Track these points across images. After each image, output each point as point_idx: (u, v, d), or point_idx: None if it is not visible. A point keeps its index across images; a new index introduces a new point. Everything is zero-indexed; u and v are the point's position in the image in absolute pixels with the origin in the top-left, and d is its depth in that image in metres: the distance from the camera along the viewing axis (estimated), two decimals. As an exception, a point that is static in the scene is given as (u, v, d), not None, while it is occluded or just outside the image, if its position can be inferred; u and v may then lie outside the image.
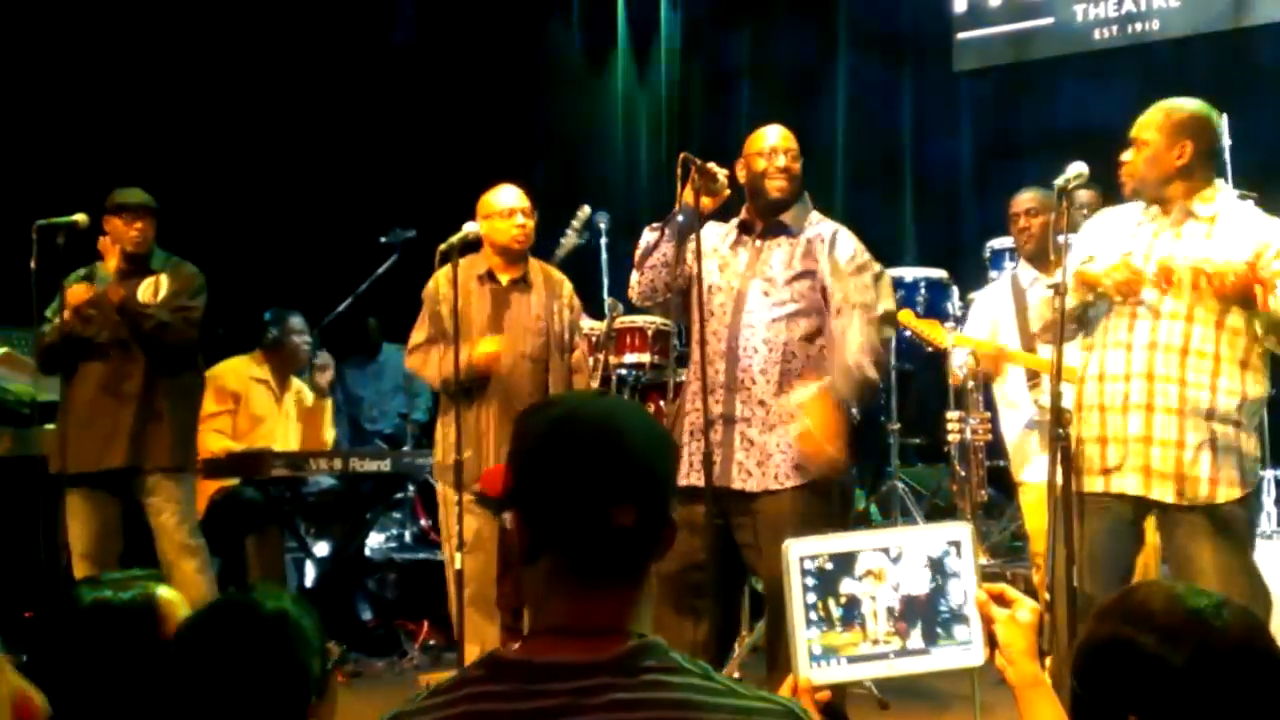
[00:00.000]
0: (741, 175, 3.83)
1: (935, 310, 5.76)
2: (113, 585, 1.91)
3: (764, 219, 3.80)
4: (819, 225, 3.81)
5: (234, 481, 5.37)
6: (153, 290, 4.71)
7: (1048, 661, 2.87)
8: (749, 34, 8.11)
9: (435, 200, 6.96)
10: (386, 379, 7.87)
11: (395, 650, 5.49)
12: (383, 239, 5.95)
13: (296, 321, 5.74)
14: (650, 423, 1.40)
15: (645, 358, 5.40)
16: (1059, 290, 3.23)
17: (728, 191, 3.76)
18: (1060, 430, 3.20)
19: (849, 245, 3.78)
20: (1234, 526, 3.20)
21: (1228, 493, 3.20)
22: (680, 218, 3.72)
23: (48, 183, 6.32)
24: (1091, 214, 3.83)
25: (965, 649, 1.55)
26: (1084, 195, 4.48)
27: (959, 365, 4.77)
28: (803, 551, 1.57)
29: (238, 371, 5.63)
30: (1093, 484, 3.28)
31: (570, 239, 5.62)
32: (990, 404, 4.79)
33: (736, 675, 3.45)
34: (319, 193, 7.94)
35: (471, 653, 4.29)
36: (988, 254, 5.48)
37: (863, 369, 3.63)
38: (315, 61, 7.99)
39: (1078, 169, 3.31)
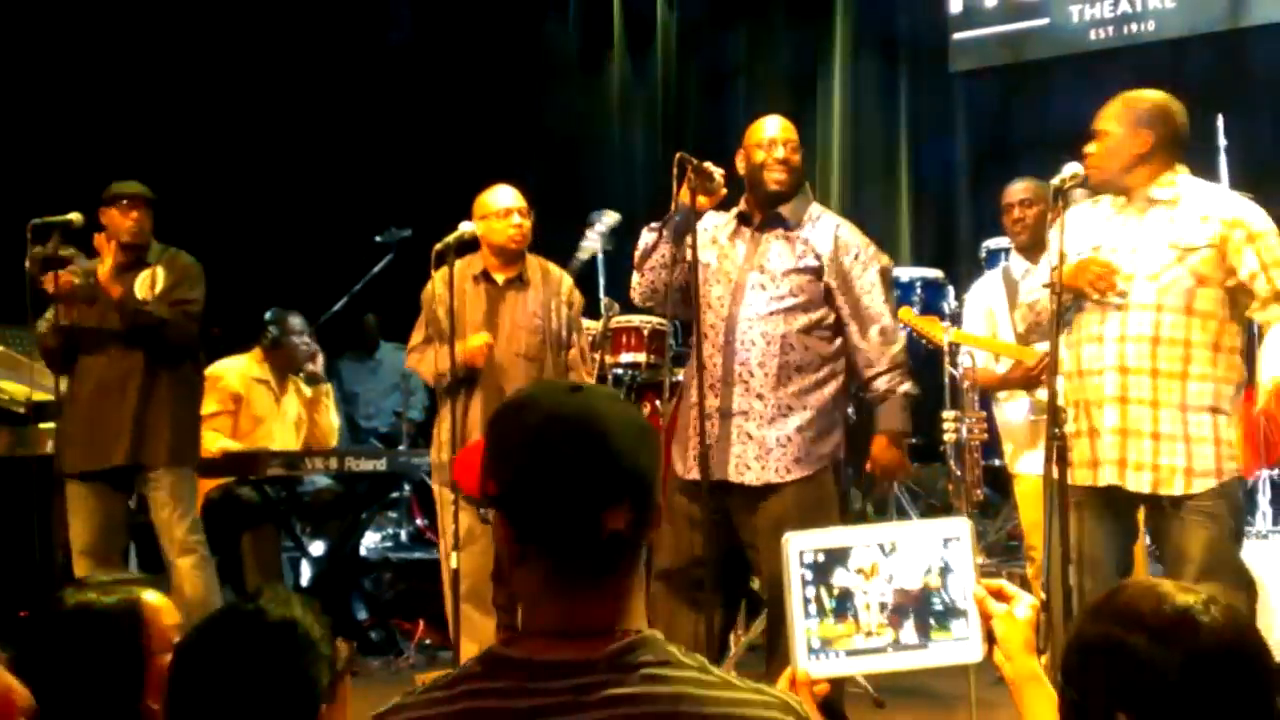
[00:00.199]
0: (741, 166, 3.83)
1: (931, 309, 5.77)
2: (98, 588, 1.88)
3: (762, 210, 3.80)
4: (819, 219, 3.80)
5: (230, 480, 5.37)
6: (149, 283, 4.68)
7: (1043, 659, 2.87)
8: (746, 34, 8.11)
9: (431, 199, 6.96)
10: (383, 377, 7.87)
11: (391, 650, 5.49)
12: (378, 238, 5.96)
13: (296, 322, 5.73)
14: (630, 414, 1.37)
15: (641, 357, 5.40)
16: (1054, 289, 3.24)
17: (724, 191, 3.76)
18: (1057, 429, 3.21)
19: (854, 249, 3.77)
20: (1213, 517, 3.22)
21: (1202, 483, 3.22)
22: (678, 218, 3.72)
23: (43, 182, 6.31)
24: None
25: (963, 644, 1.55)
26: (1079, 195, 4.49)
27: (958, 366, 4.79)
28: (801, 545, 1.57)
29: (238, 372, 5.62)
30: (1081, 477, 3.30)
31: (592, 244, 5.58)
32: (986, 401, 4.80)
33: (733, 673, 3.45)
34: (315, 192, 7.94)
35: (468, 649, 4.29)
36: (983, 254, 5.49)
37: (901, 386, 3.75)
38: (311, 60, 7.98)
39: (1073, 169, 3.33)
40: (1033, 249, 4.56)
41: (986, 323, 4.70)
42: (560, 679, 1.29)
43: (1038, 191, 4.50)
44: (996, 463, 4.97)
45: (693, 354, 3.73)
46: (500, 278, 4.55)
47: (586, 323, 5.18)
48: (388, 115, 8.29)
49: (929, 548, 1.56)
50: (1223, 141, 5.41)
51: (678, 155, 3.68)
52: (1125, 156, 3.29)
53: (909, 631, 1.55)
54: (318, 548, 5.68)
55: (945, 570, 1.55)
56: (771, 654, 3.67)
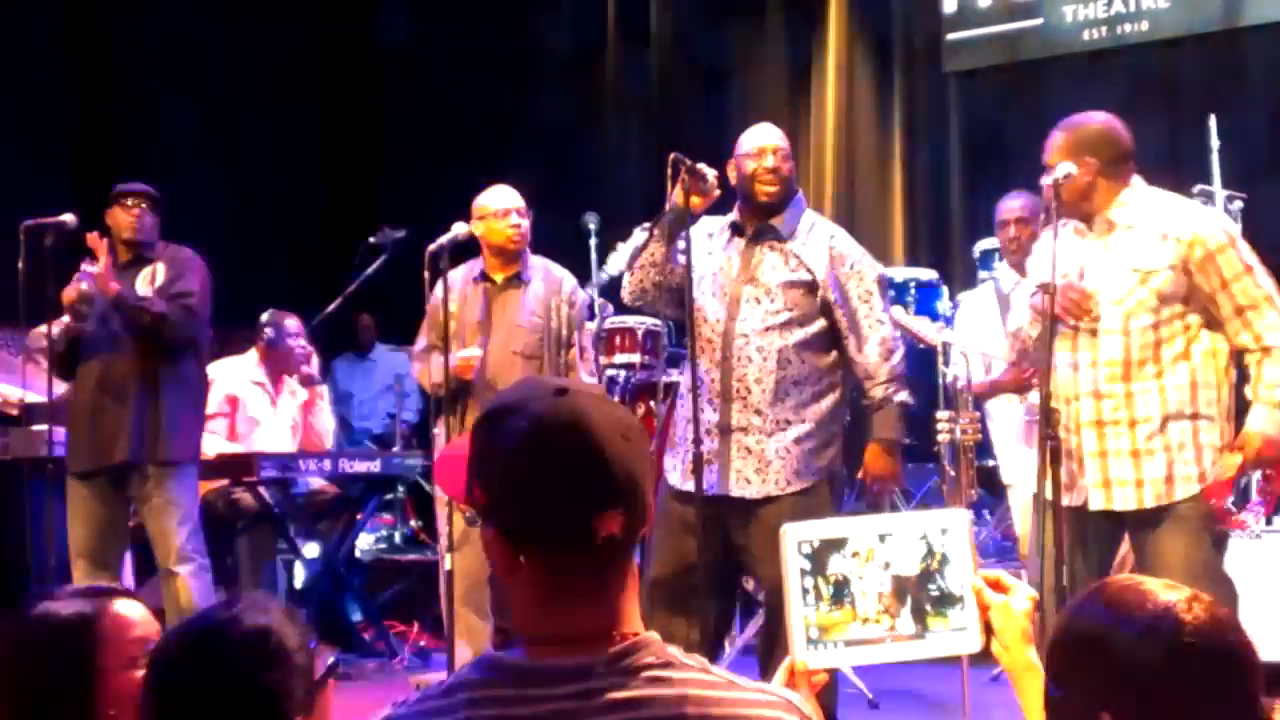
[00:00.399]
0: (732, 176, 3.82)
1: (925, 310, 5.77)
2: (67, 597, 1.84)
3: (755, 221, 3.78)
4: (812, 229, 3.78)
5: (225, 483, 5.36)
6: (150, 279, 4.66)
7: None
8: (739, 33, 8.11)
9: (426, 200, 6.95)
10: (377, 378, 7.87)
11: (385, 652, 5.48)
12: (372, 239, 5.95)
13: (292, 324, 5.73)
14: (617, 414, 1.34)
15: (635, 358, 5.40)
16: (1048, 290, 3.24)
17: (718, 192, 3.75)
18: (1050, 431, 3.21)
19: (849, 259, 3.77)
20: (1194, 522, 3.23)
21: (1185, 489, 3.23)
22: (670, 218, 3.71)
23: (34, 183, 6.30)
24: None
25: (961, 635, 1.55)
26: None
27: (954, 376, 4.80)
28: (799, 535, 1.57)
29: (235, 373, 5.61)
30: (1064, 498, 3.30)
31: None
32: (980, 402, 4.81)
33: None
34: (310, 192, 7.93)
35: (464, 652, 4.29)
36: (977, 254, 5.49)
37: (897, 397, 3.75)
38: (306, 59, 7.98)
39: (1066, 169, 3.33)
40: (1025, 267, 4.58)
41: (978, 334, 4.72)
42: (561, 684, 1.28)
43: (1033, 210, 4.51)
44: (990, 463, 4.97)
45: (688, 361, 3.73)
46: (499, 277, 4.55)
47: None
48: (382, 115, 8.28)
49: (927, 538, 1.56)
50: (1215, 142, 5.41)
51: (671, 156, 3.67)
52: (1076, 186, 3.31)
53: (907, 622, 1.55)
54: (312, 550, 5.67)
55: (943, 561, 1.56)
56: (765, 662, 3.67)
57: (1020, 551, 4.54)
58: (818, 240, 3.75)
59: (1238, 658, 1.29)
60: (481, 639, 4.39)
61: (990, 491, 5.41)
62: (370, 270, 5.98)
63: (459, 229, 4.59)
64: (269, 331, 5.65)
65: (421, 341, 4.67)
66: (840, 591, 1.55)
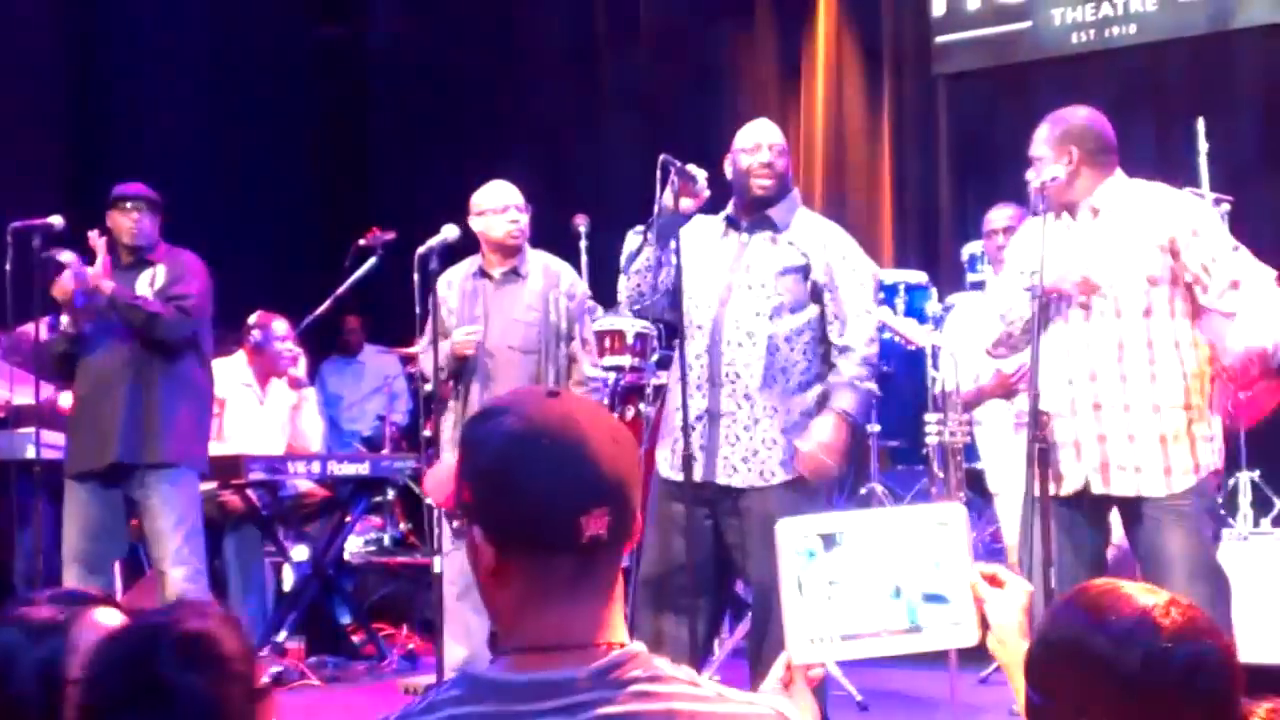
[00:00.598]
0: (728, 171, 3.84)
1: (914, 312, 5.79)
2: (44, 602, 1.80)
3: (749, 215, 3.81)
4: (807, 224, 3.80)
5: (213, 485, 5.34)
6: (150, 281, 4.64)
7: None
8: (729, 33, 8.12)
9: (415, 202, 6.95)
10: (366, 380, 7.86)
11: (374, 654, 5.47)
12: (362, 242, 5.94)
13: (280, 326, 5.72)
14: (607, 419, 1.34)
15: (625, 360, 5.39)
16: (1034, 293, 3.27)
17: (707, 193, 3.75)
18: (1038, 432, 3.23)
19: (843, 249, 3.78)
20: (1192, 514, 3.25)
21: (1182, 481, 3.25)
22: (661, 220, 3.72)
23: (23, 184, 6.28)
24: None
25: (957, 629, 1.55)
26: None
27: (940, 384, 4.81)
28: (794, 529, 1.57)
29: (222, 375, 5.59)
30: (1056, 489, 3.31)
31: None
32: (969, 410, 4.82)
33: (717, 678, 3.45)
34: (299, 194, 7.92)
35: (457, 653, 4.29)
36: (965, 257, 5.50)
37: (865, 383, 3.70)
38: (294, 60, 7.97)
39: (1053, 172, 3.37)
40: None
41: (966, 340, 4.72)
42: (546, 699, 1.26)
43: (1021, 219, 4.52)
44: (979, 465, 4.98)
45: (677, 360, 3.73)
46: (496, 272, 4.55)
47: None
48: (372, 116, 8.27)
49: (923, 532, 1.56)
50: (1204, 145, 5.43)
51: (661, 157, 3.67)
52: (1060, 177, 3.37)
53: (903, 616, 1.55)
54: (301, 552, 5.65)
55: (939, 555, 1.55)
56: (755, 661, 3.67)
57: (1009, 560, 4.54)
58: (813, 229, 3.78)
59: (1216, 661, 1.29)
60: (478, 639, 4.37)
61: (979, 494, 5.42)
62: (360, 272, 5.97)
63: (449, 231, 4.59)
64: (256, 334, 5.64)
65: (423, 339, 4.65)
66: (836, 585, 1.54)
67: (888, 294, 5.76)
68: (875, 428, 5.87)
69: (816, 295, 3.73)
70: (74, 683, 1.61)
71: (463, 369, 4.46)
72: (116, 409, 4.52)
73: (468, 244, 4.59)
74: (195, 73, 7.67)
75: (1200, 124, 5.48)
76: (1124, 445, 3.27)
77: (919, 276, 6.02)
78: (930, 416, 4.98)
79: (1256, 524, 5.27)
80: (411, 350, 4.94)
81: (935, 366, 4.94)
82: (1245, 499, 5.30)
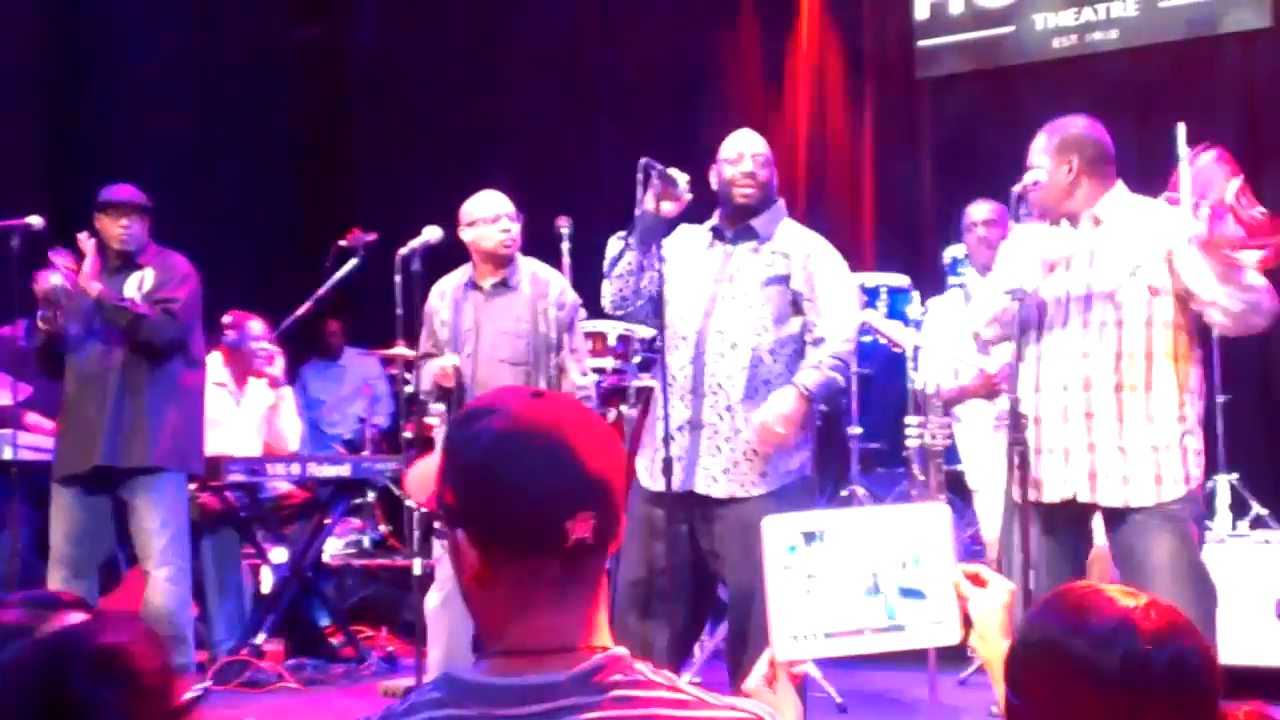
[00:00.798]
0: (714, 181, 3.84)
1: (896, 315, 5.79)
2: (14, 605, 1.72)
3: (733, 224, 3.80)
4: (792, 235, 3.80)
5: (190, 487, 5.31)
6: (139, 284, 4.63)
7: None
8: (712, 37, 8.12)
9: (396, 203, 6.93)
10: (346, 383, 7.84)
11: (353, 657, 5.46)
12: (342, 243, 5.91)
13: (256, 325, 5.69)
14: (591, 420, 1.33)
15: (607, 363, 5.39)
16: (1016, 296, 3.27)
17: (688, 196, 3.75)
18: (1017, 435, 3.22)
19: (825, 257, 3.78)
20: (1180, 523, 3.25)
21: (1173, 490, 3.24)
22: (642, 224, 3.71)
23: (1, 184, 6.24)
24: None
25: (940, 627, 1.57)
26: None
27: (923, 383, 4.81)
28: (780, 527, 1.57)
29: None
30: (1043, 493, 3.31)
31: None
32: (948, 409, 4.83)
33: (696, 681, 3.45)
34: (280, 195, 7.89)
35: (438, 654, 4.28)
36: (947, 260, 5.52)
37: (831, 371, 3.68)
38: (276, 60, 7.94)
39: (1034, 176, 3.37)
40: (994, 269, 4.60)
41: (946, 339, 4.74)
42: (527, 703, 1.25)
43: (1000, 212, 4.54)
44: (959, 468, 5.00)
45: (659, 365, 3.73)
46: (486, 283, 4.52)
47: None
48: (353, 118, 8.25)
49: (907, 532, 1.57)
50: (1183, 151, 5.45)
51: (642, 161, 3.67)
52: (1059, 185, 3.36)
53: (886, 614, 1.56)
54: (279, 554, 5.63)
55: (923, 554, 1.57)
56: (735, 666, 3.67)
57: (988, 556, 4.55)
58: (797, 238, 3.78)
59: (1196, 664, 1.29)
60: (460, 641, 4.35)
61: (959, 496, 5.44)
62: (341, 274, 5.95)
63: (430, 233, 4.57)
64: (231, 333, 5.60)
65: (421, 349, 4.63)
66: (820, 583, 1.56)
67: (869, 297, 5.78)
68: (856, 430, 5.89)
69: (797, 306, 3.73)
70: None
71: (449, 391, 4.42)
72: (102, 412, 4.51)
73: (452, 248, 4.57)
74: (175, 73, 7.63)
75: (1181, 129, 5.49)
76: (1114, 456, 3.24)
77: (901, 280, 6.03)
78: (911, 419, 4.99)
79: (1234, 527, 5.30)
80: (392, 352, 4.91)
81: (915, 369, 4.94)
82: (1223, 502, 5.33)
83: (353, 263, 6.00)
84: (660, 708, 1.26)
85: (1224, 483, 5.33)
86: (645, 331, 5.49)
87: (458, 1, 8.52)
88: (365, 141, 8.76)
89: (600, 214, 5.57)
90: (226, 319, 5.64)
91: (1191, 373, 3.30)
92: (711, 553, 3.67)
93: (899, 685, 4.42)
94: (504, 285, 4.50)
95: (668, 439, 3.61)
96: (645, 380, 5.44)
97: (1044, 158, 3.38)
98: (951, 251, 5.46)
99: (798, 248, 3.75)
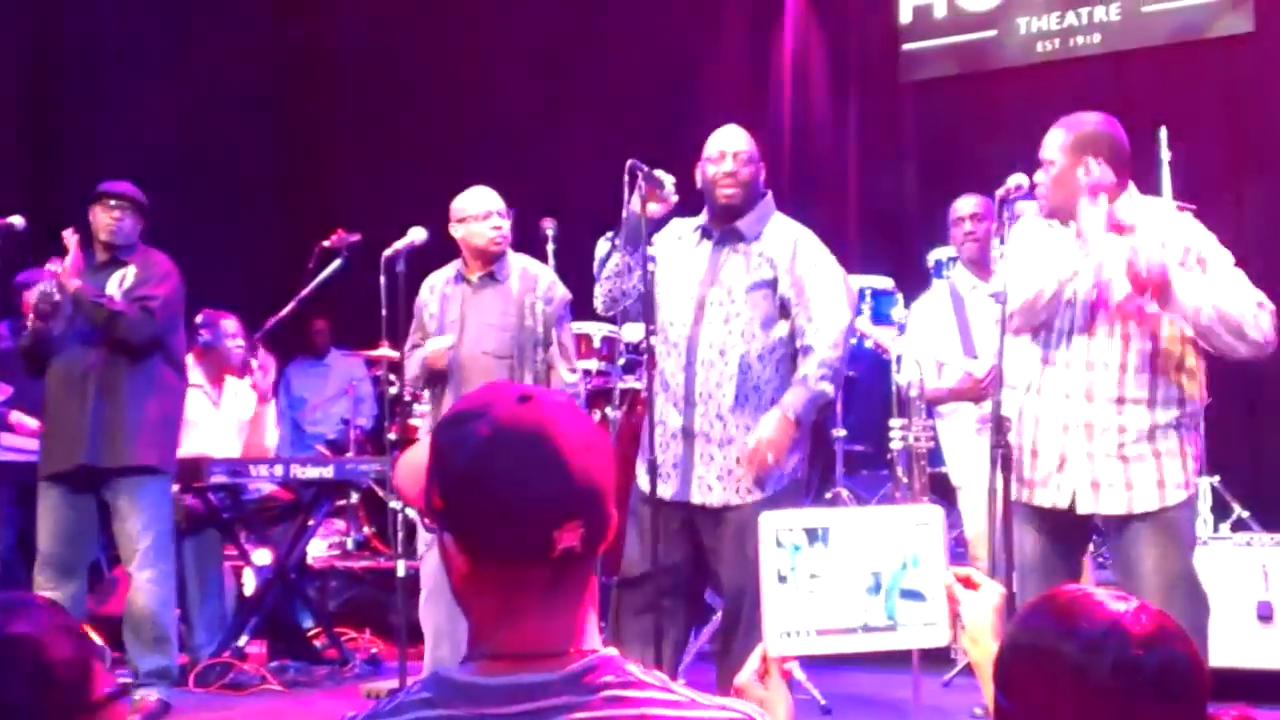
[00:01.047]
0: (699, 180, 3.83)
1: (880, 317, 5.81)
2: None
3: (720, 224, 3.80)
4: (778, 232, 3.79)
5: (174, 488, 5.28)
6: (119, 281, 4.60)
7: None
8: (699, 38, 8.12)
9: (382, 202, 6.91)
10: (331, 383, 7.81)
11: (337, 659, 5.44)
12: (327, 243, 5.90)
13: (229, 324, 5.65)
14: (581, 424, 1.31)
15: (592, 364, 5.39)
16: (1000, 299, 3.25)
17: (675, 198, 3.75)
18: (1000, 438, 3.22)
19: (813, 256, 3.77)
20: (1177, 530, 3.24)
21: (1174, 495, 3.22)
22: (629, 225, 3.71)
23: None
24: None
25: (931, 628, 1.59)
26: (1023, 206, 4.53)
27: (906, 382, 4.82)
28: (777, 524, 1.59)
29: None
30: (1041, 497, 3.29)
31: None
32: (932, 409, 4.84)
33: (682, 681, 3.46)
34: (264, 195, 7.87)
35: (427, 654, 4.27)
36: (931, 263, 5.53)
37: (819, 384, 3.67)
38: (259, 60, 7.91)
39: (1017, 180, 3.35)
40: (981, 262, 4.60)
41: (931, 337, 4.74)
42: (517, 703, 1.24)
43: (988, 206, 4.54)
44: (943, 470, 5.01)
45: (645, 366, 3.73)
46: (474, 277, 4.52)
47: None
48: (338, 117, 8.23)
49: (901, 533, 1.60)
50: (1166, 154, 5.48)
51: (629, 163, 3.67)
52: (1072, 183, 3.26)
53: (879, 613, 1.58)
54: (263, 556, 5.61)
55: (916, 555, 1.59)
56: (724, 661, 3.69)
57: (971, 554, 4.56)
58: (784, 237, 3.76)
59: (1185, 668, 1.29)
60: (445, 642, 4.35)
61: (944, 498, 5.45)
62: (326, 274, 5.93)
63: (415, 234, 4.56)
64: (204, 333, 5.56)
65: (408, 342, 4.63)
66: (815, 583, 1.58)
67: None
68: (841, 432, 5.90)
69: (785, 310, 3.73)
70: None
71: (437, 375, 4.43)
72: (83, 412, 4.49)
73: (441, 248, 4.57)
74: (157, 72, 7.60)
75: (1163, 133, 5.53)
76: (1115, 465, 3.21)
77: (885, 282, 6.04)
78: (894, 421, 5.00)
79: (1216, 529, 5.32)
80: (376, 354, 4.90)
81: (899, 371, 4.96)
82: (1205, 504, 5.34)
83: (337, 263, 5.99)
84: (652, 707, 1.26)
85: (1206, 485, 5.35)
86: (631, 334, 5.50)
87: (442, 1, 8.49)
88: (349, 140, 8.73)
89: (585, 215, 5.57)
90: (199, 318, 5.58)
91: (1195, 383, 3.27)
92: (712, 550, 3.70)
93: (883, 687, 4.43)
94: (492, 279, 4.49)
95: (652, 443, 3.62)
96: (630, 382, 5.44)
97: (1058, 154, 3.28)
98: (936, 254, 5.48)
99: (783, 250, 3.74)
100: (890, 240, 7.44)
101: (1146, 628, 1.29)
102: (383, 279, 4.50)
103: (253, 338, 5.78)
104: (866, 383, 6.01)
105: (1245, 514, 5.46)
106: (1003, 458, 3.21)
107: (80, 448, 4.47)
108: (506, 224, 4.51)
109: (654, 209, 3.70)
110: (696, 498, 3.66)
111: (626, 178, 3.65)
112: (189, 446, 5.36)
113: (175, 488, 5.16)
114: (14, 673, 1.42)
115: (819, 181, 7.73)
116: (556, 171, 8.02)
